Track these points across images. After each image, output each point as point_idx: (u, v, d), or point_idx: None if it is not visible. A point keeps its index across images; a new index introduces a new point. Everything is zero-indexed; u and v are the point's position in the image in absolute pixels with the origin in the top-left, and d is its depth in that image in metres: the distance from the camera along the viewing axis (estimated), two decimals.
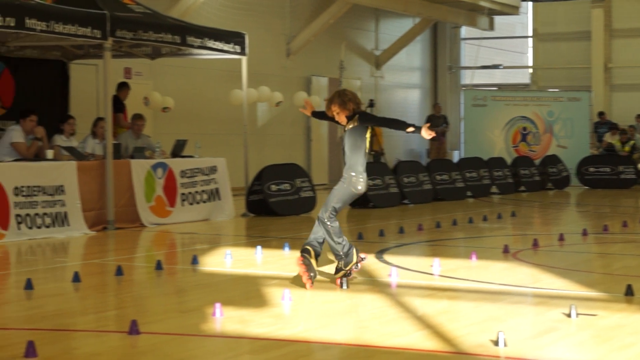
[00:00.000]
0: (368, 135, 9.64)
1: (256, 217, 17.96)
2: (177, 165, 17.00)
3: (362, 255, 9.72)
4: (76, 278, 10.04)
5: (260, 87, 23.76)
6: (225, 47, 17.93)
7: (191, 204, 17.13)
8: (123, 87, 19.34)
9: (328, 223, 9.53)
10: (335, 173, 29.05)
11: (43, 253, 13.16)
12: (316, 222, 9.68)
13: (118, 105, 18.69)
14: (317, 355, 6.74)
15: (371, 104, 28.13)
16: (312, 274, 9.41)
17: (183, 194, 16.95)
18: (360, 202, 19.81)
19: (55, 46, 17.70)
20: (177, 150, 17.62)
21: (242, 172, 18.83)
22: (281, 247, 12.80)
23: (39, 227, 14.23)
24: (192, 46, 17.21)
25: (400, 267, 10.87)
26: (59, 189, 14.67)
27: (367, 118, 9.74)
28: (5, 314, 8.62)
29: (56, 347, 7.00)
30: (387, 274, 10.41)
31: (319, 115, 10.52)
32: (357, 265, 9.64)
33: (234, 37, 18.15)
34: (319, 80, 28.46)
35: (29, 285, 9.56)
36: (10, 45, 16.81)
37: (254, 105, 24.76)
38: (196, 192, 17.26)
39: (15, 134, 15.61)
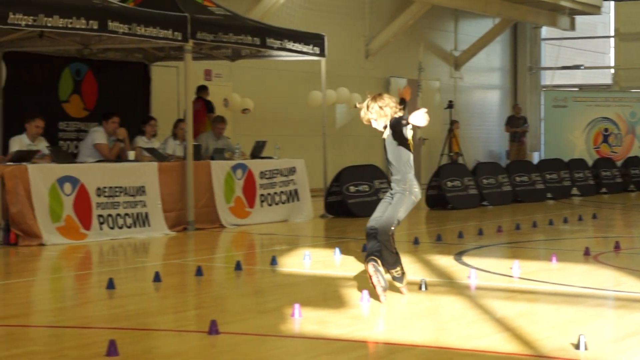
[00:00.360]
0: (409, 135, 9.04)
1: (334, 218, 17.96)
2: (256, 166, 17.08)
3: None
4: (157, 278, 10.13)
5: (339, 88, 23.77)
6: (305, 48, 17.96)
7: (270, 205, 17.19)
8: (203, 90, 19.52)
9: (391, 235, 8.98)
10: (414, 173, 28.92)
11: (124, 253, 13.30)
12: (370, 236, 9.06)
13: (209, 106, 19.04)
14: (396, 357, 6.71)
15: (450, 105, 27.98)
16: (384, 285, 8.79)
17: (262, 195, 17.01)
18: (439, 204, 19.73)
19: (137, 48, 17.89)
20: (257, 152, 17.70)
21: (320, 173, 18.85)
22: (359, 248, 12.78)
23: (120, 228, 14.39)
24: (272, 48, 17.28)
25: (480, 269, 10.78)
26: (140, 190, 14.83)
27: (393, 125, 8.99)
28: (88, 313, 8.73)
29: (137, 346, 7.07)
30: (466, 275, 10.33)
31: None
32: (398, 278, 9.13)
33: (313, 39, 18.18)
34: (397, 82, 28.36)
35: (110, 285, 9.67)
36: (93, 48, 17.02)
37: (333, 106, 24.76)
38: (275, 193, 17.32)
39: (98, 135, 15.82)
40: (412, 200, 9.17)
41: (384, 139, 9.16)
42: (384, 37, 27.42)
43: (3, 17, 12.98)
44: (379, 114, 9.00)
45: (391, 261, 8.96)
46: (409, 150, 9.12)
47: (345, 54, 25.95)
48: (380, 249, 8.90)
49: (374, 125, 9.09)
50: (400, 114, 8.93)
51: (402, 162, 9.16)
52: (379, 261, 8.79)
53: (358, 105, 9.25)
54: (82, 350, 6.92)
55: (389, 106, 8.98)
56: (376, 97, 9.05)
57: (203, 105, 19.49)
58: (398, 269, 9.05)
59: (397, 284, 9.09)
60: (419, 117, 8.41)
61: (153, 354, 6.91)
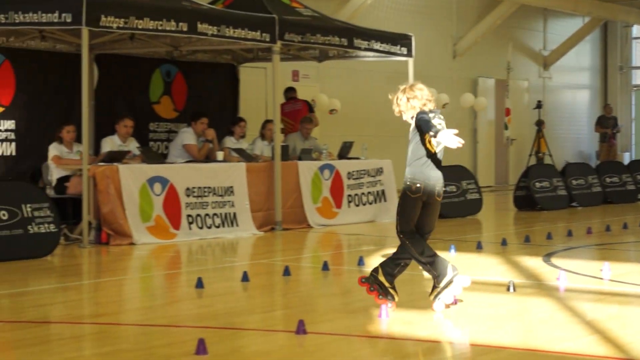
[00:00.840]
0: (434, 141, 8.45)
1: None
2: (343, 166, 17.09)
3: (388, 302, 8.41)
4: (245, 277, 10.19)
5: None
6: (392, 49, 17.93)
7: (357, 205, 17.20)
8: (291, 91, 19.60)
9: (404, 238, 8.50)
10: (502, 175, 28.74)
11: (213, 253, 13.41)
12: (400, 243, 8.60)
13: (310, 106, 19.18)
14: (484, 359, 6.66)
15: (539, 105, 27.68)
16: (389, 298, 8.40)
17: (349, 195, 17.03)
18: (527, 205, 19.53)
19: (226, 50, 18.02)
20: (344, 152, 17.72)
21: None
22: (447, 249, 12.72)
23: (209, 227, 14.51)
24: (359, 48, 17.29)
25: (569, 271, 10.64)
26: (229, 190, 14.94)
27: (417, 118, 8.51)
28: (177, 312, 8.82)
29: (225, 345, 7.12)
30: (555, 277, 10.21)
31: None
32: (450, 283, 8.34)
33: (401, 39, 18.13)
34: (485, 82, 28.19)
35: (199, 284, 9.76)
36: (183, 49, 17.20)
37: None
38: (362, 193, 17.32)
39: (187, 136, 15.98)
40: (406, 195, 8.50)
41: (410, 132, 8.74)
42: (472, 37, 27.25)
43: (95, 20, 13.18)
44: (406, 106, 8.68)
45: (425, 269, 8.49)
46: (427, 148, 8.56)
47: (432, 54, 25.85)
48: (382, 264, 8.57)
49: (404, 117, 8.75)
50: (430, 106, 8.61)
51: (414, 157, 8.60)
52: (372, 278, 8.47)
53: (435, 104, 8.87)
54: (171, 349, 6.99)
55: (417, 98, 8.64)
56: (406, 89, 8.79)
57: (305, 105, 19.55)
58: (435, 281, 8.42)
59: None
60: (449, 138, 8.05)
61: (241, 353, 6.95)
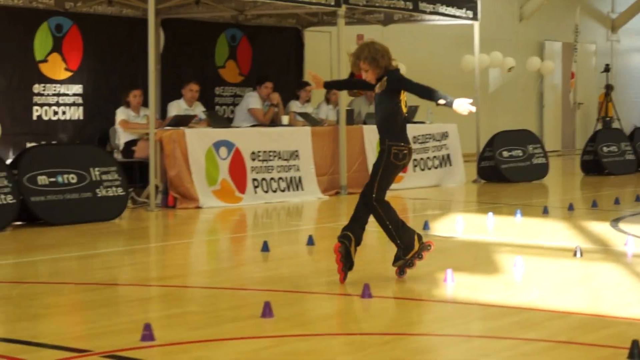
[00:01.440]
0: (403, 97, 8.24)
1: (487, 183, 17.81)
2: (409, 131, 16.94)
3: (427, 243, 8.20)
4: (310, 241, 10.22)
5: (492, 52, 23.48)
6: (458, 12, 17.80)
7: (422, 170, 17.14)
8: None
9: (377, 205, 8.15)
10: (568, 139, 28.43)
11: (278, 216, 13.46)
12: (358, 206, 8.28)
13: None
14: (551, 324, 6.62)
15: (607, 68, 27.34)
16: (346, 267, 8.03)
17: (415, 160, 16.96)
18: (594, 169, 19.33)
19: (291, 14, 18.00)
20: (409, 117, 17.61)
21: (473, 138, 18.69)
22: (512, 213, 12.64)
23: (274, 191, 14.57)
24: (424, 12, 17.18)
25: (637, 236, 10.52)
26: (294, 154, 14.96)
27: (396, 81, 8.14)
28: (243, 275, 8.87)
29: (291, 308, 7.15)
30: (622, 242, 10.10)
31: (335, 85, 10.05)
32: (419, 255, 8.14)
33: (467, 3, 17.99)
34: (552, 45, 27.87)
35: (265, 248, 9.80)
36: (248, 13, 17.21)
37: (486, 71, 24.47)
38: (427, 158, 17.25)
39: (253, 100, 16.02)
40: (393, 164, 8.18)
41: (375, 93, 8.28)
42: (538, 0, 26.91)
43: None
44: (372, 65, 8.08)
45: (391, 239, 8.22)
46: (401, 110, 8.35)
47: (498, 18, 25.60)
48: (351, 227, 8.15)
49: (365, 76, 8.16)
50: (395, 64, 8.16)
51: (388, 122, 8.26)
52: (353, 240, 8.08)
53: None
54: (237, 311, 7.04)
55: (385, 56, 8.09)
56: (369, 46, 8.13)
57: None
58: (400, 252, 8.19)
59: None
60: (463, 106, 8.06)
61: (307, 316, 6.98)
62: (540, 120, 27.86)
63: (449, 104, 8.10)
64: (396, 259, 8.18)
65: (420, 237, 8.17)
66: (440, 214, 13.37)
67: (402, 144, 8.26)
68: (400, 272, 8.18)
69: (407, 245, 8.12)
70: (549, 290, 7.86)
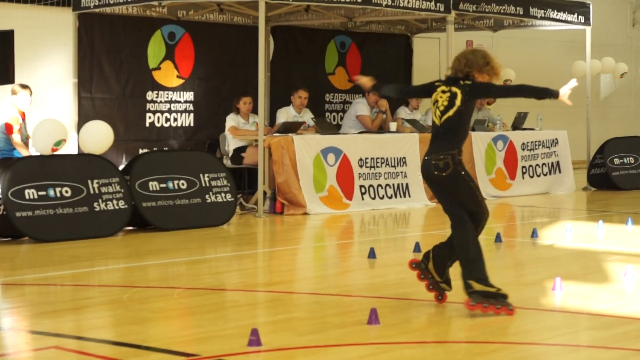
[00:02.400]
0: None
1: (597, 191, 17.53)
2: (518, 137, 16.87)
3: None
4: (417, 248, 10.18)
5: (604, 57, 23.07)
6: (569, 17, 17.57)
7: (531, 177, 16.95)
8: None
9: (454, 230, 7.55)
10: None
11: (385, 223, 13.44)
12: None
13: None
14: None
15: None
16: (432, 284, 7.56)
17: (523, 167, 16.79)
18: None
19: (400, 20, 17.98)
20: (518, 123, 17.48)
21: (583, 145, 18.44)
22: (624, 222, 12.42)
23: (381, 198, 14.55)
24: (535, 17, 17.00)
25: None
26: (401, 161, 14.93)
27: (481, 89, 7.71)
28: (350, 282, 8.88)
29: (397, 315, 7.14)
30: None
31: (393, 91, 9.14)
32: (498, 305, 7.14)
33: (578, 8, 17.75)
34: None
35: (372, 254, 9.80)
36: (357, 20, 17.23)
37: (597, 76, 24.09)
38: (537, 165, 17.05)
39: (361, 107, 16.04)
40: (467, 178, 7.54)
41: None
42: None
43: None
44: (480, 73, 7.66)
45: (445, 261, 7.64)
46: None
47: (610, 23, 25.17)
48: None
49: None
50: None
51: (465, 133, 7.67)
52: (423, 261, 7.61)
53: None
54: (344, 318, 7.05)
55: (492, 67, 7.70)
56: (478, 53, 7.78)
57: None
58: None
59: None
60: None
61: (412, 324, 6.96)
62: None
63: (553, 96, 8.07)
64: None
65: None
66: (549, 222, 13.20)
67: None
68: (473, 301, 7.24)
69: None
70: None
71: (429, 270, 7.50)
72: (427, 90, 7.79)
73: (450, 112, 7.44)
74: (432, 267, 7.49)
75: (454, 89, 7.49)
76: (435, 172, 7.41)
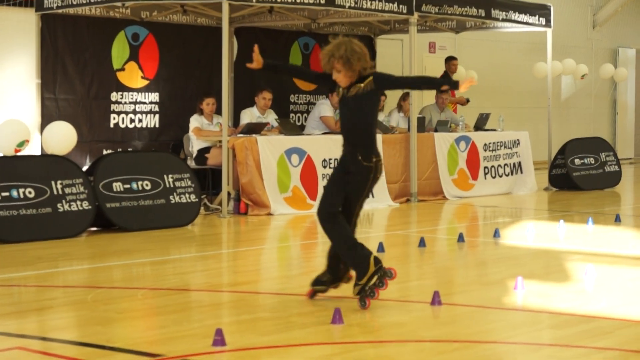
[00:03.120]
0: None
1: (558, 191, 17.65)
2: (480, 138, 16.94)
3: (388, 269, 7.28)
4: (380, 248, 10.20)
5: (565, 59, 23.25)
6: (530, 19, 17.68)
7: (493, 177, 17.04)
8: (450, 60, 19.43)
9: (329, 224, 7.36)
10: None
11: None
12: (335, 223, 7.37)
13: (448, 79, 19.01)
14: (622, 333, 6.54)
15: None
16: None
17: (486, 167, 16.88)
18: None
19: (363, 22, 18.01)
20: (481, 124, 17.56)
21: (545, 145, 18.55)
22: (584, 221, 12.52)
23: None
24: (497, 19, 17.09)
25: None
26: None
27: (385, 80, 7.36)
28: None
29: (361, 314, 7.15)
30: None
31: (275, 68, 8.10)
32: (380, 283, 7.24)
33: (539, 10, 17.86)
34: (626, 52, 27.52)
35: None
36: (320, 22, 17.25)
37: (558, 78, 24.25)
38: (499, 165, 17.14)
39: (325, 108, 16.04)
40: (376, 179, 7.47)
41: (346, 96, 7.37)
42: (612, 7, 26.62)
43: None
44: (348, 66, 7.28)
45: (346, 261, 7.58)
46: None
47: (571, 25, 25.36)
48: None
49: (337, 77, 7.35)
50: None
51: (372, 129, 7.42)
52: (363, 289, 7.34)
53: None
54: (308, 318, 7.05)
55: (362, 59, 7.29)
56: (347, 44, 7.29)
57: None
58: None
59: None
60: (466, 84, 7.27)
61: (377, 323, 6.97)
62: (613, 127, 27.53)
63: (453, 87, 7.36)
64: (356, 285, 7.31)
65: (377, 261, 7.29)
66: (511, 222, 13.27)
67: (379, 157, 7.39)
68: (363, 302, 7.27)
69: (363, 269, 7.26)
70: (620, 299, 7.76)
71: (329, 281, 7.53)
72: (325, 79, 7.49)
73: None
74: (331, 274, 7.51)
75: None
76: None
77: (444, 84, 7.37)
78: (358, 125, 7.30)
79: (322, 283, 7.51)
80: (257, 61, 7.76)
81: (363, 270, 7.21)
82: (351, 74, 7.22)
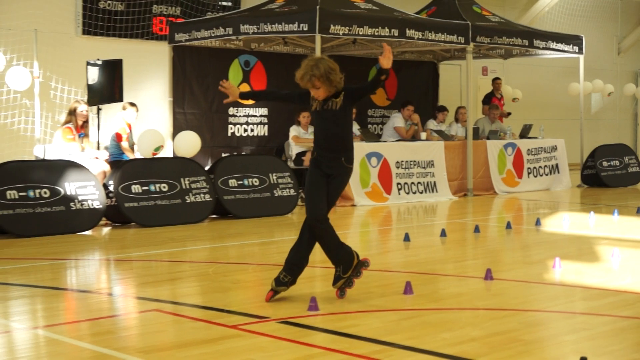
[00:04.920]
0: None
1: (589, 188, 17.35)
2: (524, 145, 16.73)
3: (364, 259, 6.74)
4: (443, 233, 10.14)
5: (594, 80, 22.83)
6: (565, 47, 17.41)
7: (535, 176, 16.81)
8: (495, 80, 19.20)
9: (326, 225, 6.60)
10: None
11: (417, 213, 13.39)
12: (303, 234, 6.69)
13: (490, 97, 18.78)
14: None
15: None
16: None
17: (529, 168, 16.65)
18: None
19: (428, 50, 17.91)
20: (524, 133, 17.35)
21: (577, 150, 18.28)
22: (611, 213, 12.28)
23: (414, 193, 14.50)
24: (538, 48, 16.87)
25: None
26: (430, 163, 14.87)
27: (354, 92, 6.57)
28: (389, 260, 8.86)
29: (427, 287, 7.11)
30: None
31: (253, 95, 7.36)
32: (358, 272, 6.69)
33: (573, 39, 17.58)
34: None
35: (406, 238, 9.78)
36: (394, 51, 17.18)
37: (589, 95, 23.85)
38: (539, 166, 16.91)
39: (397, 120, 15.99)
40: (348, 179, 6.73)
41: (323, 109, 6.57)
42: (635, 36, 26.08)
43: (325, 28, 13.34)
44: (327, 83, 6.52)
45: (331, 258, 6.79)
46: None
47: (599, 51, 24.91)
48: (296, 259, 6.75)
49: (315, 93, 6.58)
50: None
51: (351, 138, 6.69)
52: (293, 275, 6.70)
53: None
54: (384, 289, 7.03)
55: (335, 71, 6.53)
56: (324, 63, 6.52)
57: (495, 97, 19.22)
58: (339, 270, 6.71)
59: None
60: (386, 60, 6.47)
61: (440, 294, 6.93)
62: (635, 135, 26.98)
63: (383, 72, 6.45)
64: (337, 279, 6.66)
65: (357, 254, 6.72)
66: (550, 213, 13.07)
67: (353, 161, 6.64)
68: (342, 293, 6.67)
69: (346, 263, 6.62)
70: None
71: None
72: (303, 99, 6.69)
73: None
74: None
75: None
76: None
77: (380, 74, 6.44)
78: (339, 134, 6.51)
79: (284, 284, 6.58)
80: (231, 94, 7.00)
81: (349, 265, 6.57)
82: (330, 88, 6.45)
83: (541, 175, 16.93)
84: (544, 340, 5.41)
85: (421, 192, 14.63)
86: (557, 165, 17.26)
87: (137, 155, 12.53)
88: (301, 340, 5.35)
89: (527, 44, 16.54)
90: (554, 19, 23.62)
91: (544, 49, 17.00)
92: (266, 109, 15.92)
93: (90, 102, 13.04)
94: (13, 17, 15.04)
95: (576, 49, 17.61)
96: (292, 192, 12.77)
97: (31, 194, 10.46)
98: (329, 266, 8.27)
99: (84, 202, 10.81)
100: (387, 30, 14.02)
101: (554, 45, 17.13)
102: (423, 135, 15.61)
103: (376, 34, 13.99)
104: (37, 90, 14.09)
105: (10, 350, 5.26)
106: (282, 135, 15.64)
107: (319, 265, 8.49)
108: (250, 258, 9.01)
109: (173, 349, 5.20)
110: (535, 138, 17.31)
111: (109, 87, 13.03)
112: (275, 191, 12.62)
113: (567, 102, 23.09)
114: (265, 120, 15.90)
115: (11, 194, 10.31)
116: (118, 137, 12.78)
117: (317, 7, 13.30)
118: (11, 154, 14.04)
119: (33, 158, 13.00)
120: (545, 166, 17.04)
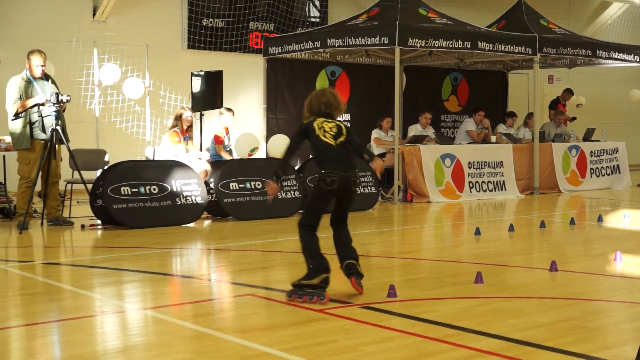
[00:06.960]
0: (319, 132, 6.42)
1: None
2: (587, 147, 16.36)
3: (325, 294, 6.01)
4: (511, 228, 9.99)
5: None
6: (627, 57, 16.97)
7: (597, 176, 16.41)
8: (567, 91, 18.82)
9: (301, 230, 6.45)
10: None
11: (487, 210, 13.21)
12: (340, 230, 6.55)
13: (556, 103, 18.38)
14: None
15: None
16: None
17: (592, 168, 16.28)
18: None
19: (498, 60, 17.66)
20: (587, 136, 16.96)
21: (638, 152, 17.77)
22: None
23: (484, 191, 14.32)
24: (601, 57, 16.47)
25: None
26: (499, 164, 14.65)
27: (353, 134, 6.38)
28: (461, 252, 8.76)
29: (497, 277, 7.01)
30: None
31: (285, 165, 6.73)
32: (312, 295, 5.98)
33: (634, 49, 17.12)
34: None
35: (477, 232, 9.65)
36: (467, 61, 17.01)
37: None
38: (602, 167, 16.51)
39: (470, 124, 15.82)
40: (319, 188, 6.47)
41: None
42: None
43: (404, 41, 13.27)
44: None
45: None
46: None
47: None
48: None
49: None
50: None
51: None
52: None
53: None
54: (456, 278, 6.96)
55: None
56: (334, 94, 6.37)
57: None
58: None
59: None
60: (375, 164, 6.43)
61: (508, 284, 6.81)
62: None
63: (370, 160, 6.43)
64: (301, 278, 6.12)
65: (325, 280, 6.10)
66: (611, 210, 12.74)
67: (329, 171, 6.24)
68: (290, 293, 6.10)
69: (311, 274, 6.11)
70: None
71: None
72: (303, 135, 6.52)
73: (342, 138, 6.31)
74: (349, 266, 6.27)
75: (337, 122, 6.39)
76: (353, 188, 6.38)
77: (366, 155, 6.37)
78: (351, 154, 6.31)
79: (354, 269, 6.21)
80: (274, 189, 6.49)
81: (310, 277, 6.05)
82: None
83: (603, 175, 16.52)
84: (605, 327, 5.27)
85: (491, 190, 14.43)
86: (618, 166, 16.82)
87: (235, 156, 12.65)
88: (381, 324, 5.32)
89: (590, 54, 16.17)
90: (617, 30, 23.04)
91: (606, 58, 16.59)
92: (349, 114, 15.91)
93: (194, 109, 13.22)
94: (128, 34, 15.39)
95: (637, 58, 17.14)
96: (373, 189, 12.73)
97: (142, 190, 10.66)
98: (406, 257, 8.22)
99: (188, 198, 10.97)
100: (460, 42, 13.87)
101: (615, 55, 16.69)
102: (493, 138, 15.40)
103: (450, 46, 13.84)
104: (148, 98, 14.38)
105: (123, 328, 5.37)
106: (365, 138, 15.59)
107: (397, 257, 8.45)
108: (333, 249, 8.99)
109: (266, 330, 5.23)
110: (598, 141, 16.91)
111: (210, 95, 13.19)
112: (358, 188, 12.57)
113: (628, 107, 22.48)
114: (349, 125, 15.90)
115: (125, 190, 10.53)
116: (216, 140, 12.95)
117: (397, 22, 13.24)
118: (125, 155, 14.36)
119: (144, 158, 13.26)
120: (607, 167, 16.62)
